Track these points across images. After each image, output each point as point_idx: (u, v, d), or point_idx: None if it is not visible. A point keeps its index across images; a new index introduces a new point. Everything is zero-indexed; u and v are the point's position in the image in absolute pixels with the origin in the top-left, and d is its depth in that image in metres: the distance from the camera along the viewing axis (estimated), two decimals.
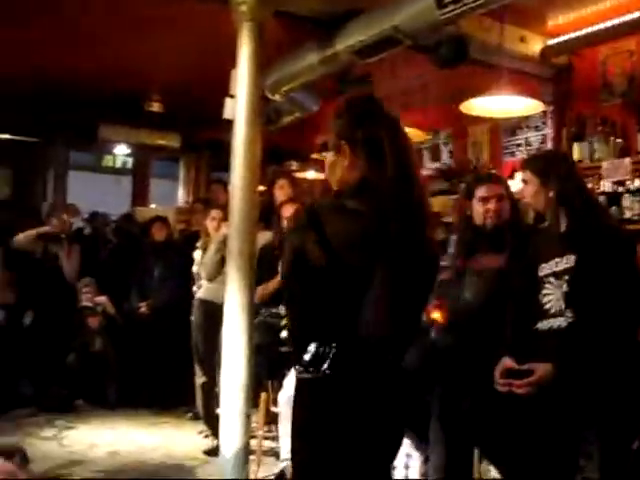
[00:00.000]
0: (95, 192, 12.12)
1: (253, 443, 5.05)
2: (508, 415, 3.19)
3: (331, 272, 2.07)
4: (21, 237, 6.98)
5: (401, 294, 2.12)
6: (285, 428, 4.46)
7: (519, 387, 3.02)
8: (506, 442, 3.39)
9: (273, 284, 5.21)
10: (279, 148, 8.79)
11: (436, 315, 4.09)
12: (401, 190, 2.13)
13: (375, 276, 2.07)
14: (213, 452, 5.38)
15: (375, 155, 2.18)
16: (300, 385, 2.19)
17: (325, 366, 2.07)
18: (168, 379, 6.67)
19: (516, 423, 3.18)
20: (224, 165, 5.51)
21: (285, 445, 4.45)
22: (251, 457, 4.89)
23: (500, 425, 3.38)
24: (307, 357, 2.09)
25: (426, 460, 3.85)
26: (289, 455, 4.28)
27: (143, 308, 7.31)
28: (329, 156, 2.33)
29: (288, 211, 5.22)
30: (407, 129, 2.32)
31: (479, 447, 3.68)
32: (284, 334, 4.52)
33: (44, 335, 6.88)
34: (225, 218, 5.18)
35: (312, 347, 2.07)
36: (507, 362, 3.17)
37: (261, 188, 5.40)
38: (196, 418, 6.18)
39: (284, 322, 4.55)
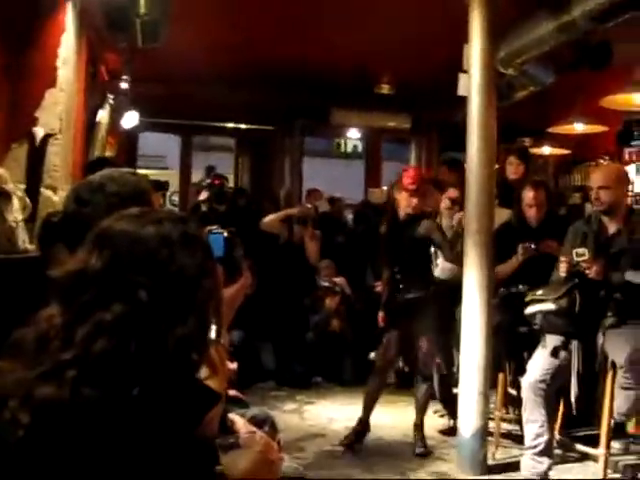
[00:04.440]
0: (328, 177, 12.44)
1: (491, 425, 4.98)
2: None
3: None
4: (269, 219, 7.27)
5: None
6: (530, 415, 4.28)
7: None
8: None
9: (513, 262, 5.07)
10: (512, 124, 8.54)
11: None
12: None
13: None
14: (449, 432, 5.36)
15: None
16: None
17: None
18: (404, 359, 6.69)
19: None
20: (454, 145, 5.45)
21: (530, 433, 4.29)
22: (489, 439, 4.83)
23: None
24: None
25: None
26: (534, 443, 4.16)
27: (378, 287, 7.41)
28: None
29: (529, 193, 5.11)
30: None
31: None
32: (528, 310, 4.34)
33: (286, 313, 7.18)
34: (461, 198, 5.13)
35: None
36: None
37: (495, 166, 5.29)
38: (432, 398, 6.17)
39: (528, 298, 4.39)
